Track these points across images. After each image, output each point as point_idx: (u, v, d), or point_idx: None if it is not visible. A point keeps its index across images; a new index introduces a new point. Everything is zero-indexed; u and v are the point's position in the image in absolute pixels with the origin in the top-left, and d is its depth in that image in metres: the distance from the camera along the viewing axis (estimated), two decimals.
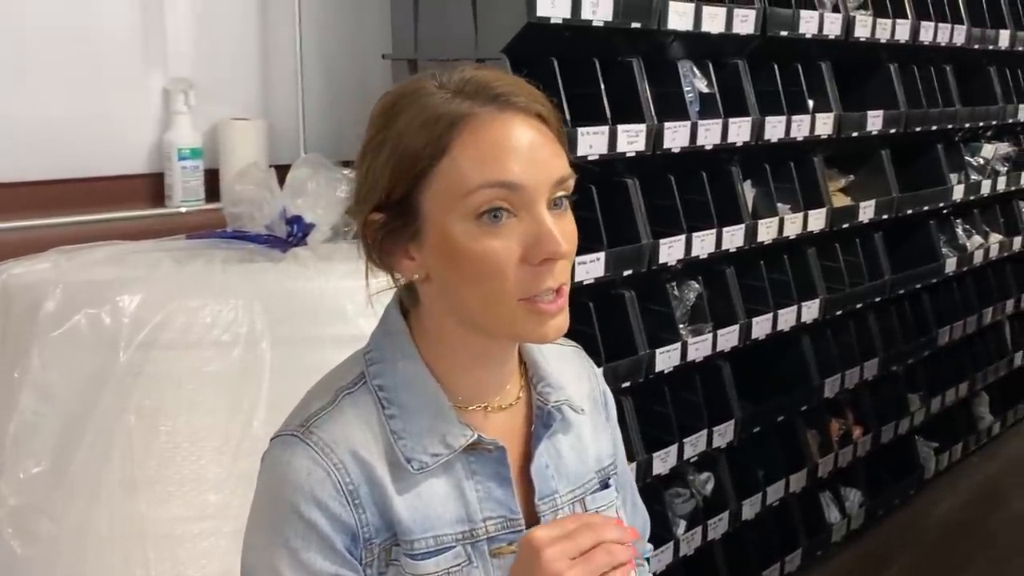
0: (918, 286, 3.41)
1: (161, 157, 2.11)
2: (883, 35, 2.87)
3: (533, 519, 0.86)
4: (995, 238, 3.87)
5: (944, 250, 3.56)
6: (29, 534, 1.26)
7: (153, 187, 2.13)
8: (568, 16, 1.91)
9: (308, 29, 2.24)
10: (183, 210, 2.11)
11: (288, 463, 0.80)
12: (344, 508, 0.79)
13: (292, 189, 1.89)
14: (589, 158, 2.04)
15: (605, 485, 0.96)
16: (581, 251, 2.10)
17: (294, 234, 1.84)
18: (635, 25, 2.07)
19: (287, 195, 1.87)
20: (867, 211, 3.01)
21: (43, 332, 1.29)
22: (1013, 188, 3.91)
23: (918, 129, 3.20)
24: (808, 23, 2.56)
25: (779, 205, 2.73)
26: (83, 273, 1.37)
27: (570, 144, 1.99)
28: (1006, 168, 3.86)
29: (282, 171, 1.96)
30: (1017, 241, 4.00)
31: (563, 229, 0.78)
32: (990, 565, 3.18)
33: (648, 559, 1.14)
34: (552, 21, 1.89)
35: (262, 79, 2.28)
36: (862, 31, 2.79)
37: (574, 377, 0.98)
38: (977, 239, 3.80)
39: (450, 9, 2.04)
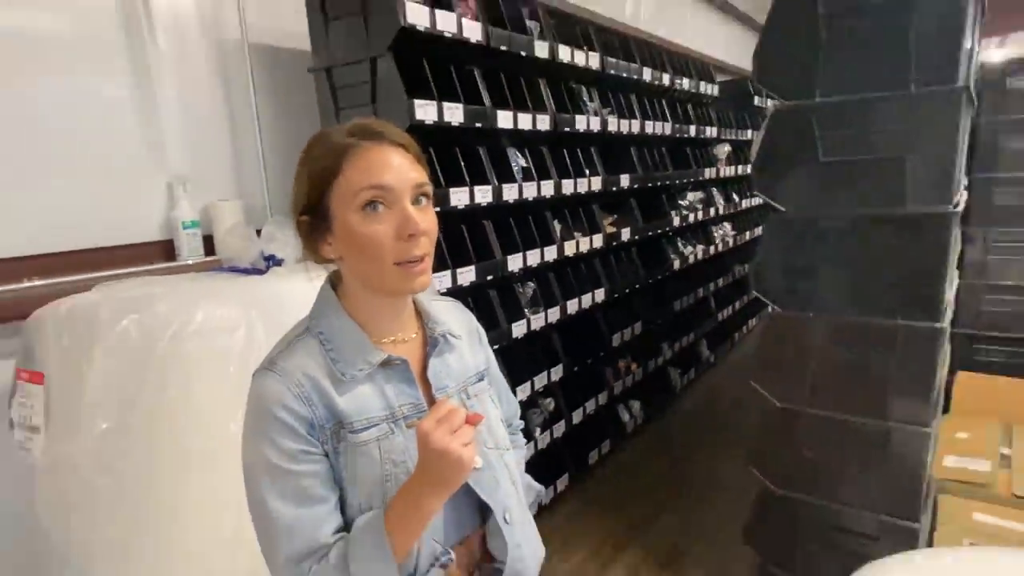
0: (659, 277, 3.56)
1: (171, 228, 2.00)
2: (624, 129, 3.03)
3: (432, 403, 0.84)
4: (700, 248, 4.07)
5: (671, 256, 3.74)
6: (103, 469, 1.16)
7: (166, 249, 2.01)
8: (436, 119, 1.93)
9: (266, 133, 2.17)
10: (189, 261, 2.00)
11: (263, 385, 0.77)
12: (302, 407, 0.76)
13: (266, 239, 1.82)
14: (459, 207, 2.05)
15: (480, 379, 0.94)
16: (460, 264, 2.12)
17: (269, 266, 1.78)
18: (478, 124, 2.11)
19: (263, 242, 1.81)
20: (626, 234, 3.14)
21: (101, 335, 1.19)
22: (705, 219, 4.12)
23: (650, 185, 3.37)
24: (581, 122, 2.68)
25: (576, 234, 2.82)
26: (125, 293, 1.27)
27: (444, 198, 1.98)
28: (701, 206, 4.06)
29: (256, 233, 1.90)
30: (712, 249, 4.20)
31: (422, 216, 0.77)
32: (719, 439, 3.35)
33: (522, 431, 1.12)
34: (427, 122, 1.90)
35: (236, 173, 2.19)
36: (613, 127, 2.93)
37: (454, 319, 0.95)
38: (690, 249, 3.99)
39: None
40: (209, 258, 2.04)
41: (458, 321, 0.96)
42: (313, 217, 0.80)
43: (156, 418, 1.20)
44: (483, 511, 0.89)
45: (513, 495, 0.91)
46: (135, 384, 1.19)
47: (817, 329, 1.62)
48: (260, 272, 1.71)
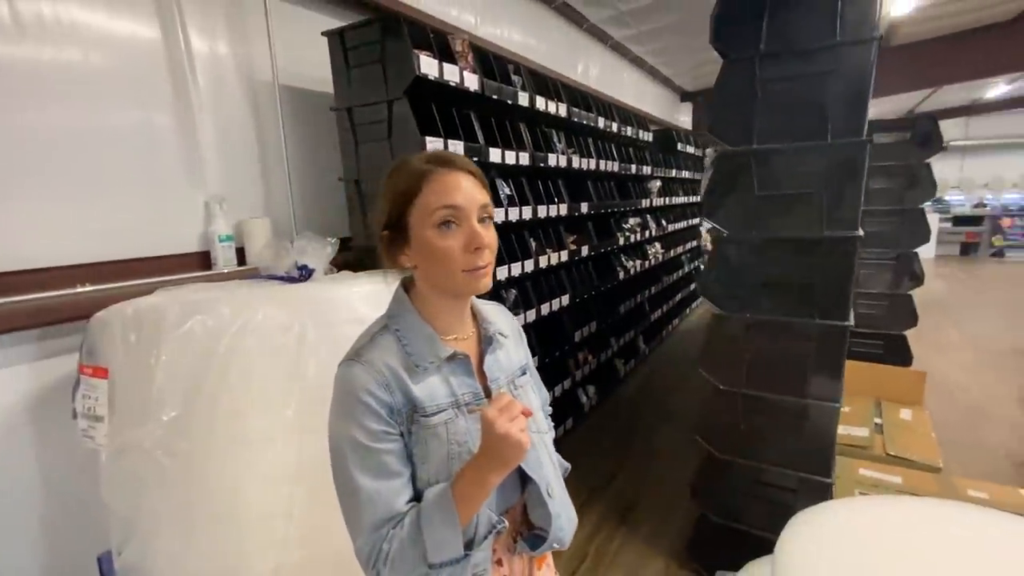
0: (608, 286, 3.59)
1: (208, 241, 1.91)
2: (584, 166, 3.07)
3: (488, 392, 0.85)
4: (638, 262, 4.12)
5: (617, 269, 3.77)
6: (170, 452, 1.08)
7: (204, 259, 1.91)
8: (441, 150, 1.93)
9: (292, 160, 2.11)
10: (225, 270, 1.90)
11: (351, 374, 0.76)
12: (384, 393, 0.75)
13: (298, 251, 1.76)
14: None
15: (524, 372, 0.93)
16: None
17: (303, 275, 1.72)
18: (474, 159, 2.10)
19: (296, 254, 1.75)
20: (584, 251, 3.15)
21: (168, 333, 1.11)
22: (642, 239, 4.19)
23: (603, 211, 3.42)
24: (552, 159, 2.71)
25: (547, 250, 2.84)
26: (187, 297, 1.20)
27: None
28: (639, 230, 4.13)
29: None
30: (646, 263, 4.26)
31: (486, 232, 0.78)
32: (657, 416, 3.41)
33: (550, 415, 1.10)
34: None
35: (265, 194, 2.11)
36: (576, 164, 2.97)
37: (502, 321, 0.95)
38: (631, 263, 4.04)
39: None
40: (241, 268, 1.95)
41: (505, 323, 0.96)
42: (394, 232, 0.79)
43: (219, 405, 1.14)
44: (523, 485, 0.88)
45: (552, 472, 0.90)
46: (200, 376, 1.13)
47: (752, 327, 1.69)
48: (295, 280, 1.65)
